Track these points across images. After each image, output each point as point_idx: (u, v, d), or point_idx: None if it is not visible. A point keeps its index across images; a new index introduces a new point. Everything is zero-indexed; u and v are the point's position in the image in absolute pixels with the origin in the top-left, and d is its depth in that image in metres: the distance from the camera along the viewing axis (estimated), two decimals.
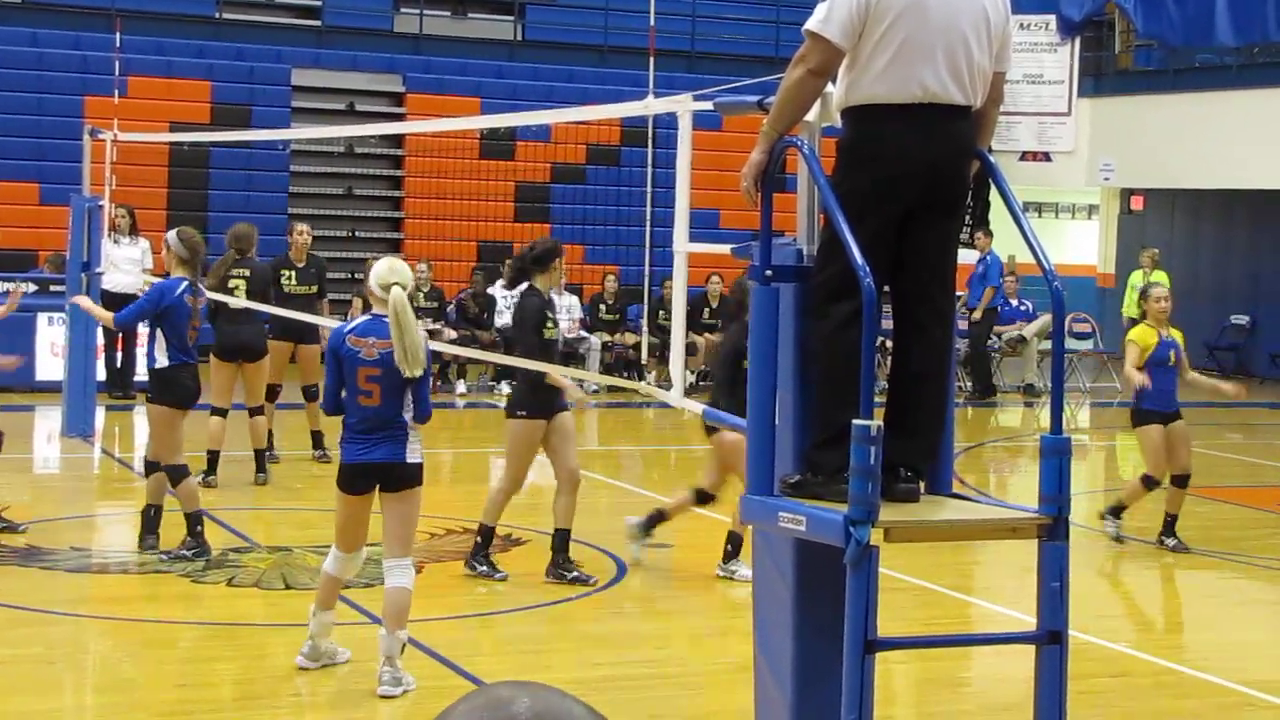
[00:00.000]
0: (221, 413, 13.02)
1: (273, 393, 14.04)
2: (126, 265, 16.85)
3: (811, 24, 5.50)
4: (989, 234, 20.83)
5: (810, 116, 5.72)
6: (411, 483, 7.82)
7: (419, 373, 7.72)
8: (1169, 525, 11.87)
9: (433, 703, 7.72)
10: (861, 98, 5.48)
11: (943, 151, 5.49)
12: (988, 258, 21.80)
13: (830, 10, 5.47)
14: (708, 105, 7.19)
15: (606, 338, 21.67)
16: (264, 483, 13.29)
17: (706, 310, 21.15)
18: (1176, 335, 11.83)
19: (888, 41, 5.41)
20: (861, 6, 5.43)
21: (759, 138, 5.58)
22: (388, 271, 7.75)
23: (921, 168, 5.45)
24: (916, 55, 5.41)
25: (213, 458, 13.04)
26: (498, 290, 21.07)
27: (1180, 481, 11.77)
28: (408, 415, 7.77)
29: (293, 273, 14.15)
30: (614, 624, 9.28)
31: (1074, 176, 26.55)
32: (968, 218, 5.75)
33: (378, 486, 7.82)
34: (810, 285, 5.56)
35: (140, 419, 17.27)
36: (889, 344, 5.67)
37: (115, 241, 17.57)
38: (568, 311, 21.55)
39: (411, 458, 7.78)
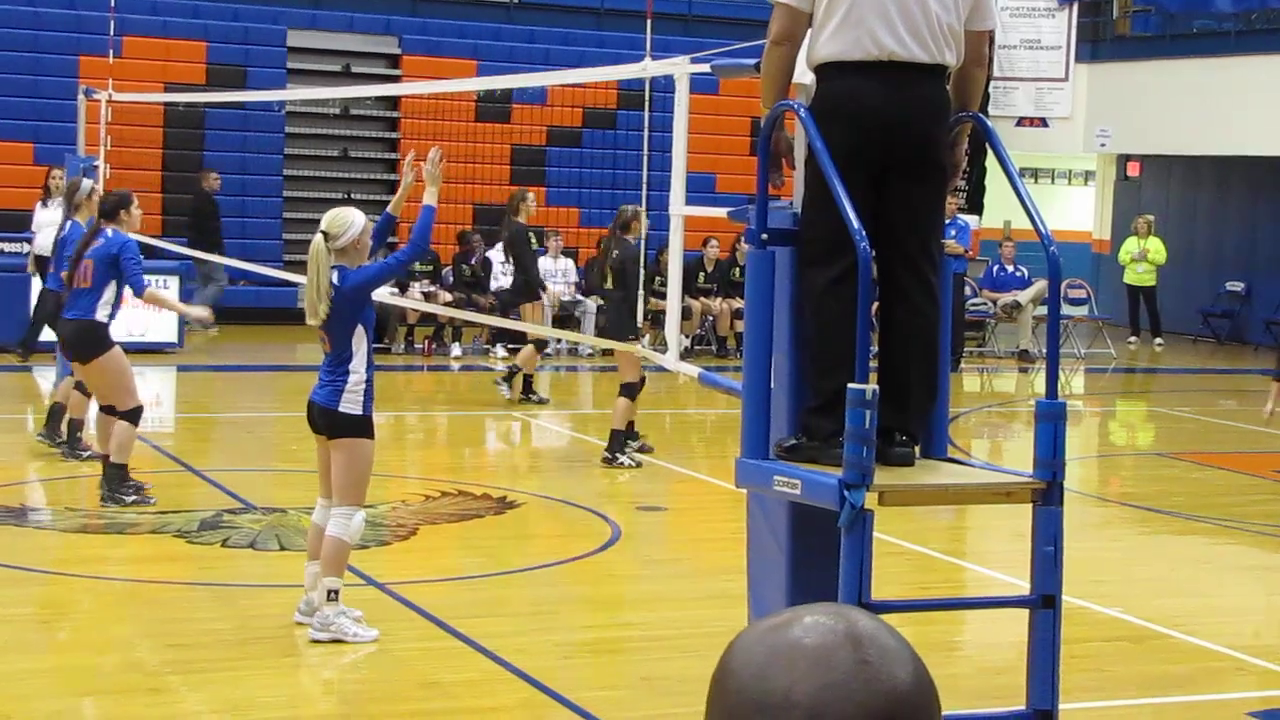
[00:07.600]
0: None
1: None
2: (49, 229, 16.79)
3: None
4: (955, 195, 19.84)
5: (807, 80, 5.70)
6: (341, 431, 7.79)
7: (314, 322, 7.74)
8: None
9: (425, 664, 7.74)
10: (821, 56, 5.49)
11: (906, 111, 5.45)
12: (958, 221, 19.57)
13: None
14: (705, 68, 7.18)
15: (601, 301, 21.62)
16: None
17: (702, 274, 21.11)
18: None
19: (840, 0, 5.41)
20: None
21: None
22: (322, 220, 7.86)
23: (883, 126, 5.41)
24: (868, 12, 5.39)
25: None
26: (495, 253, 21.03)
27: None
28: (354, 363, 7.75)
29: None
30: (606, 587, 9.28)
31: (1071, 142, 26.49)
32: (964, 182, 5.76)
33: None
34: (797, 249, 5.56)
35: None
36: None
37: (44, 204, 17.62)
38: (564, 275, 21.51)
39: (345, 407, 7.76)
